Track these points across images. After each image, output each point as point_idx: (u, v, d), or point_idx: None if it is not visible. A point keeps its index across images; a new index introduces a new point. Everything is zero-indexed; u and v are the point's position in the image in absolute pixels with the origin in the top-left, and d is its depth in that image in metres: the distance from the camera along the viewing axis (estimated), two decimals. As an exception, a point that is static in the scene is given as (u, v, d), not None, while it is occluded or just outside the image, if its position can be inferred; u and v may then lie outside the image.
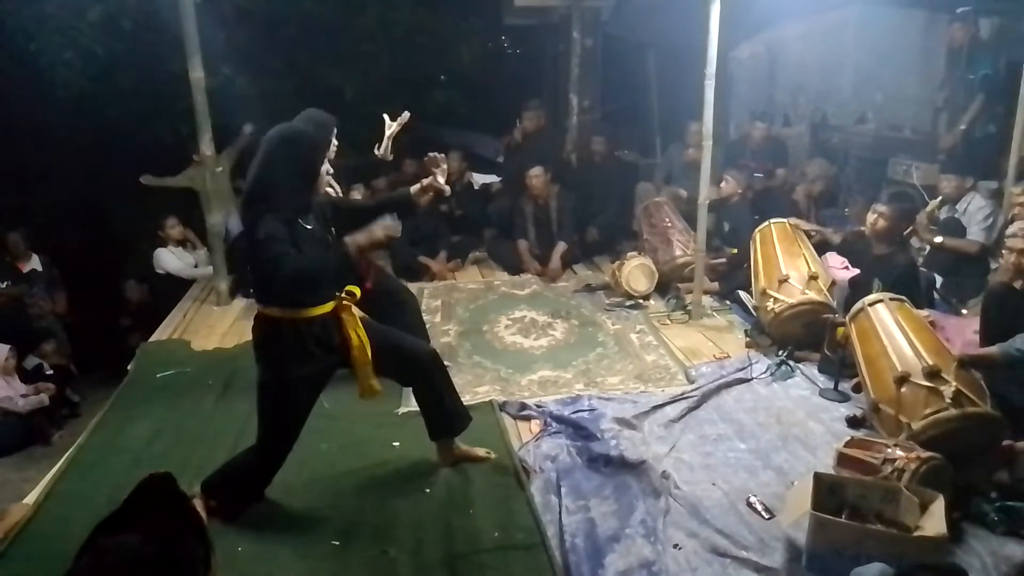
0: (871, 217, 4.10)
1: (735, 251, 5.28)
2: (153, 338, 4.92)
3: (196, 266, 6.06)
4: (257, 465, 2.78)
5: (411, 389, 3.25)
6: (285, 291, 2.53)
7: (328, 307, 2.65)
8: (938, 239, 4.53)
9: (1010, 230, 3.43)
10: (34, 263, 5.90)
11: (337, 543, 2.70)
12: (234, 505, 2.81)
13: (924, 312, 3.74)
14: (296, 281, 2.44)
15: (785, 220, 4.71)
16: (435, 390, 3.01)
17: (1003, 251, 3.46)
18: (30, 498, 3.06)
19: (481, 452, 3.19)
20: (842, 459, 2.81)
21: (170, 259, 5.93)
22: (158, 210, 6.05)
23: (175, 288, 5.79)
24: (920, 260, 4.58)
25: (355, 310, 2.76)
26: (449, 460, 3.14)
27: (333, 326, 2.68)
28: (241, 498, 2.83)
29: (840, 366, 3.75)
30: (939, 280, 4.55)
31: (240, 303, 5.46)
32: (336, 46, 7.00)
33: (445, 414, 3.06)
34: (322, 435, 3.47)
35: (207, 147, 5.12)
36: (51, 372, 5.38)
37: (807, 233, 4.62)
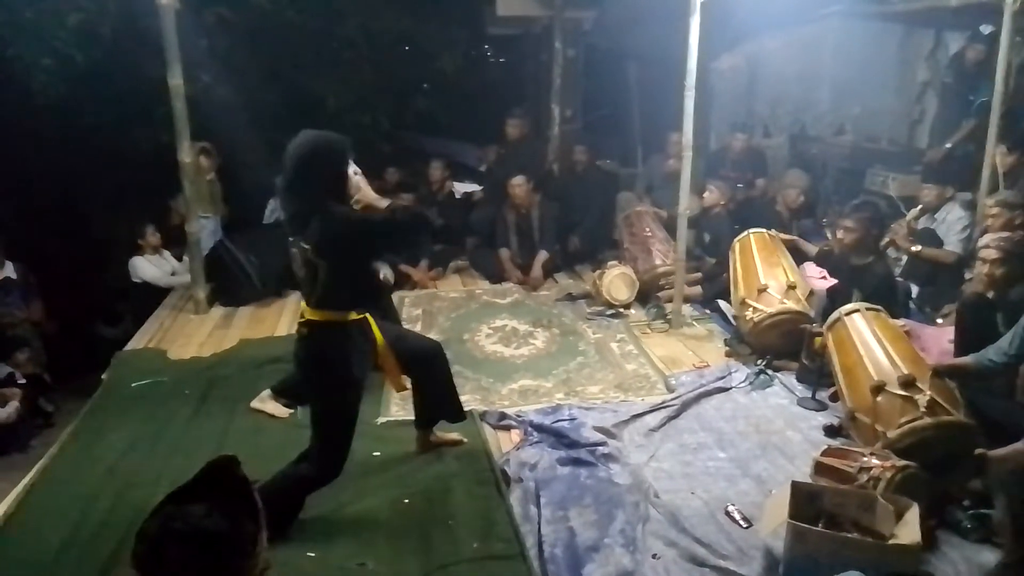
0: (839, 233, 4.16)
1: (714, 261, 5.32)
2: (129, 347, 4.85)
3: (174, 274, 6.00)
4: (315, 476, 2.74)
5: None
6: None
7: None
8: (916, 248, 4.59)
9: (982, 241, 3.47)
10: (8, 271, 5.79)
11: (314, 555, 2.67)
12: (285, 519, 2.71)
13: (900, 322, 3.78)
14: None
15: (764, 230, 4.76)
16: (437, 380, 3.16)
17: (976, 262, 3.51)
18: None
19: (455, 436, 3.36)
20: (819, 468, 2.83)
21: (146, 267, 5.85)
22: (136, 217, 5.98)
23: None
24: (898, 270, 4.63)
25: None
26: (426, 447, 3.30)
27: (367, 327, 2.79)
28: (291, 512, 2.75)
29: (818, 375, 3.78)
30: (915, 290, 4.61)
31: (218, 312, 5.40)
32: (319, 55, 6.97)
33: (440, 404, 3.22)
34: (299, 446, 3.43)
35: (186, 154, 5.08)
36: (23, 381, 5.28)
37: (784, 243, 4.66)
